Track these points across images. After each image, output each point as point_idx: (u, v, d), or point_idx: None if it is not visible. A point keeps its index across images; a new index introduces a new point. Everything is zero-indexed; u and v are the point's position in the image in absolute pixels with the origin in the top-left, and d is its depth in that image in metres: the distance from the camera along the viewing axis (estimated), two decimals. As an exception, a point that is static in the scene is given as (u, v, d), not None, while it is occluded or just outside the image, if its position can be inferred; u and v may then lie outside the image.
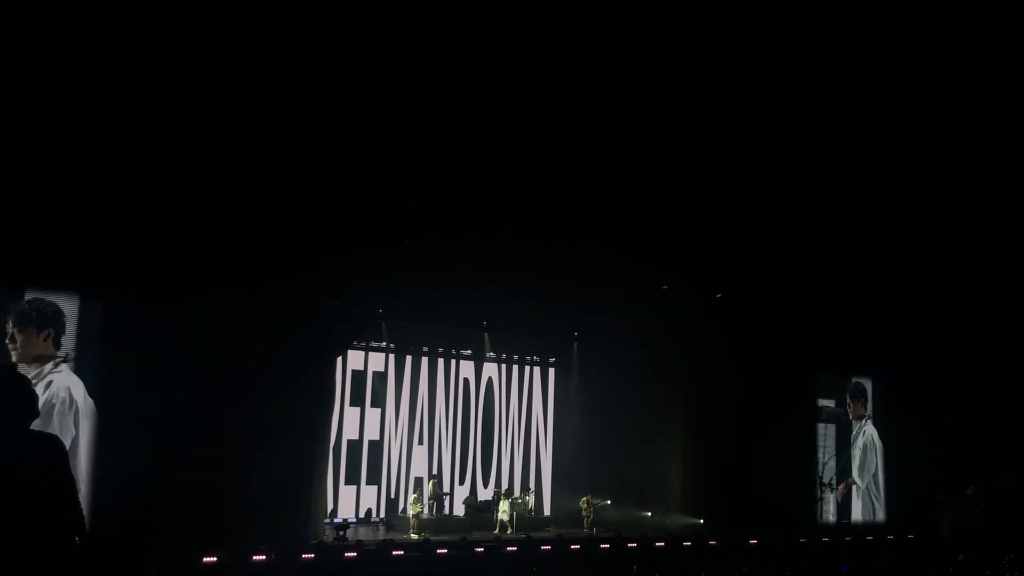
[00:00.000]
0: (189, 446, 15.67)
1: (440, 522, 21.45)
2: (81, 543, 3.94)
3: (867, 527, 24.74)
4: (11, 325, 15.42)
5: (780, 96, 14.63)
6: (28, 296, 15.62)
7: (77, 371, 15.88)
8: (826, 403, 25.37)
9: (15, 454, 3.78)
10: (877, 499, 25.82)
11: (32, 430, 4.00)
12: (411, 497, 21.52)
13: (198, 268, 15.99)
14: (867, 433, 25.97)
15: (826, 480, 24.16)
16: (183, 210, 15.42)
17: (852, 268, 20.77)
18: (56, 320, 15.82)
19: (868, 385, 26.18)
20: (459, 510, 23.29)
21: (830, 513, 24.77)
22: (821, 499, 24.01)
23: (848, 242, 19.58)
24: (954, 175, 17.44)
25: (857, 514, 25.39)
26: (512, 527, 20.99)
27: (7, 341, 15.34)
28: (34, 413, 4.05)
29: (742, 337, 22.20)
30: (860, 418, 25.87)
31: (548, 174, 16.44)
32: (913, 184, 17.68)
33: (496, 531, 20.85)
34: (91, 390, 15.88)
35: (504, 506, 21.33)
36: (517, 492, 23.99)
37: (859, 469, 25.70)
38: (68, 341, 15.89)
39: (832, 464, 24.82)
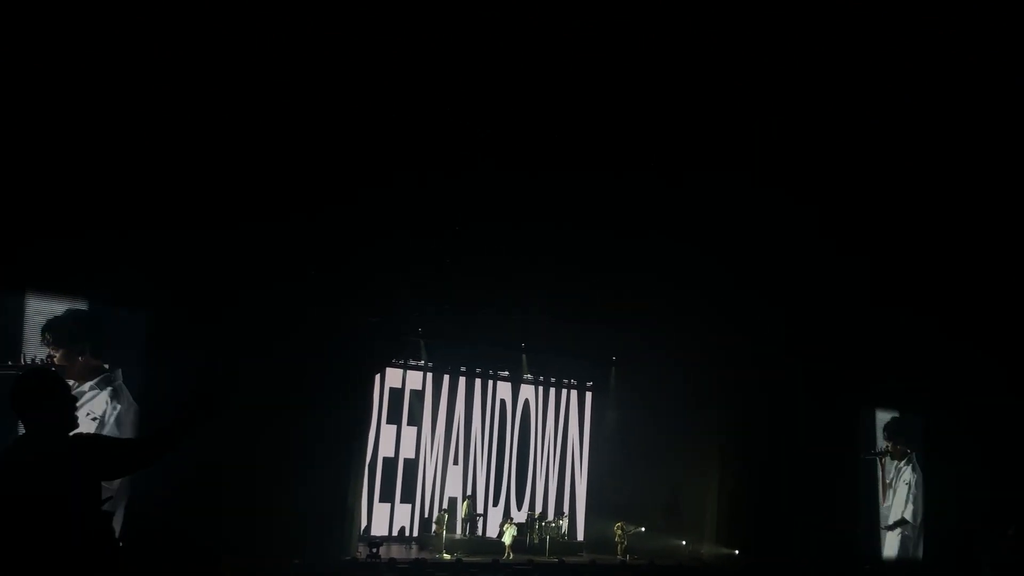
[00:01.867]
0: (225, 463, 15.78)
1: (473, 543, 21.37)
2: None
3: (905, 564, 24.25)
4: (49, 342, 15.58)
5: (831, 124, 14.51)
6: (67, 308, 15.78)
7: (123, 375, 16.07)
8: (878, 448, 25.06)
9: (51, 467, 3.74)
10: (915, 536, 25.30)
11: (70, 437, 3.95)
12: (436, 515, 21.55)
13: (240, 284, 16.17)
14: (906, 471, 25.46)
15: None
16: (228, 227, 15.63)
17: (895, 305, 20.50)
18: (91, 333, 15.94)
19: (917, 421, 25.68)
20: (493, 531, 23.19)
21: (871, 549, 24.34)
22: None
23: (893, 277, 19.32)
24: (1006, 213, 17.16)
25: (893, 550, 24.88)
26: (510, 553, 20.56)
27: (47, 358, 15.51)
28: (71, 422, 3.99)
29: (783, 367, 21.96)
30: (901, 457, 25.36)
31: (591, 198, 16.45)
32: (964, 223, 17.41)
33: (508, 556, 20.37)
34: (127, 403, 16.07)
35: (509, 531, 21.05)
36: (551, 516, 23.87)
37: (911, 511, 25.22)
38: (111, 354, 16.04)
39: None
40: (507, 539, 20.80)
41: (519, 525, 23.13)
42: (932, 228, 17.50)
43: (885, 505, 24.81)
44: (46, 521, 3.61)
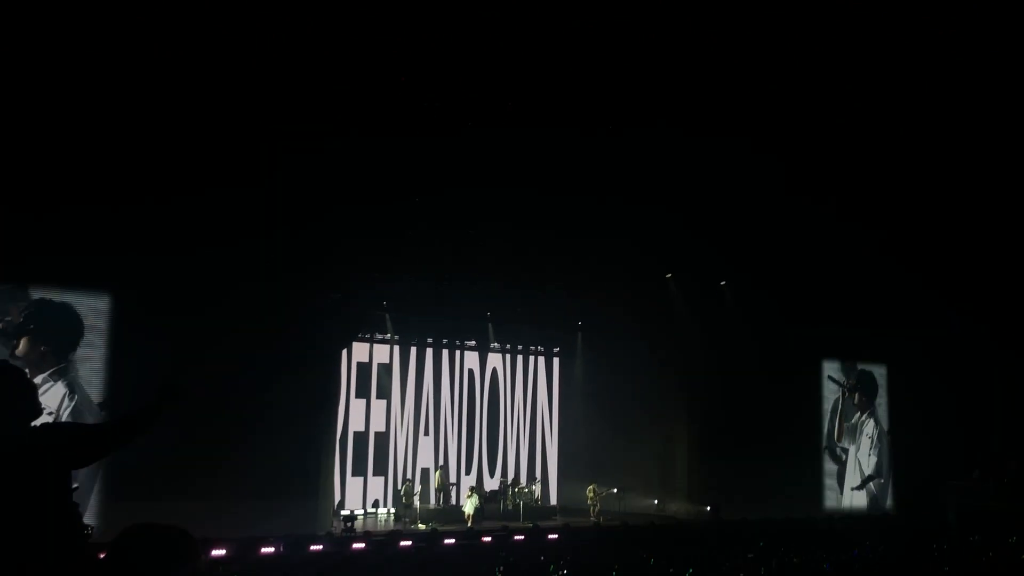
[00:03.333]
0: (195, 441, 15.70)
1: (448, 512, 21.47)
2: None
3: (875, 512, 24.76)
4: (8, 326, 15.34)
5: (785, 77, 14.57)
6: (33, 296, 15.58)
7: (80, 367, 15.88)
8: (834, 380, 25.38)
9: (17, 454, 3.70)
10: (884, 485, 25.81)
11: (35, 427, 3.90)
12: (404, 487, 21.66)
13: (201, 263, 16.01)
14: (868, 424, 25.87)
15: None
16: (186, 207, 15.45)
17: (859, 254, 20.74)
18: (52, 324, 15.71)
19: (879, 372, 26.10)
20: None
21: (837, 498, 24.81)
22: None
23: (855, 229, 19.53)
24: (971, 164, 17.38)
25: (863, 499, 25.39)
26: (472, 521, 20.59)
27: (11, 342, 15.27)
28: (35, 410, 3.94)
29: (746, 325, 22.24)
30: (864, 409, 25.76)
31: (551, 164, 16.42)
32: (927, 170, 17.61)
33: (467, 524, 20.38)
34: (95, 387, 15.90)
35: (471, 501, 21.14)
36: (523, 481, 24.04)
37: (875, 464, 25.65)
38: (69, 338, 15.83)
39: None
40: (468, 508, 20.90)
41: (492, 492, 23.32)
42: (884, 167, 17.67)
43: (841, 447, 25.19)
44: (16, 513, 3.57)
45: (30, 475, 3.61)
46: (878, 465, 25.80)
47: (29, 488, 3.59)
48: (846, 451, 25.28)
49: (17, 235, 14.36)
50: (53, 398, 15.47)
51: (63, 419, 15.31)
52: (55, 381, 15.60)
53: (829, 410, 25.19)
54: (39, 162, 13.98)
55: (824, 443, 24.92)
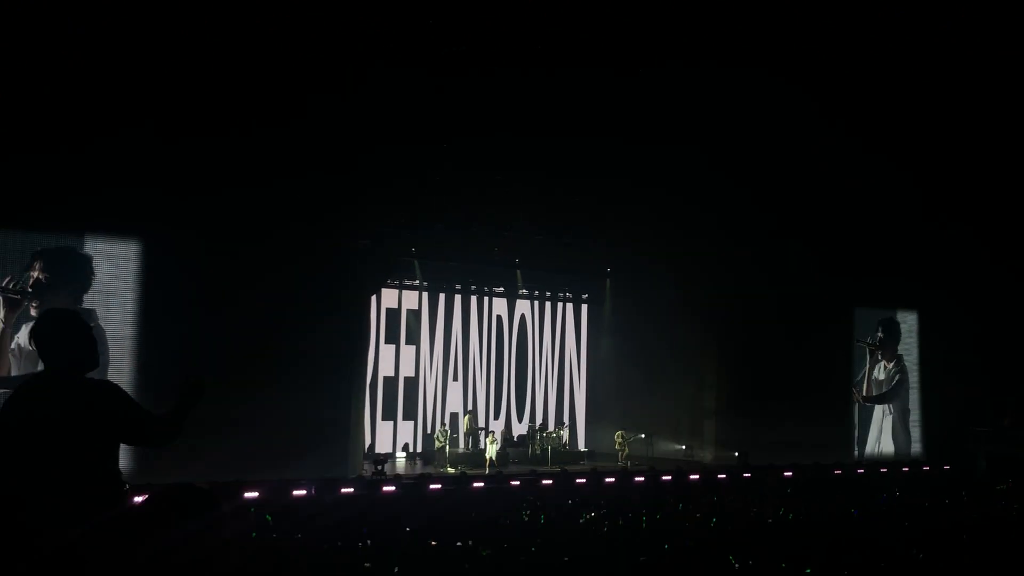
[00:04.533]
0: (227, 386, 15.89)
1: (476, 457, 21.69)
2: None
3: (903, 459, 24.70)
4: (39, 270, 15.39)
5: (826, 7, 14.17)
6: (55, 243, 15.56)
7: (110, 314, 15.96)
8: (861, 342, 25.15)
9: (79, 402, 3.72)
10: (912, 432, 25.69)
11: (90, 379, 3.93)
12: (437, 431, 21.86)
13: (232, 208, 16.06)
14: (897, 371, 25.60)
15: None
16: (217, 150, 15.44)
17: (890, 200, 20.42)
18: (80, 273, 15.74)
19: (905, 318, 25.82)
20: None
21: (866, 445, 24.75)
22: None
23: (888, 174, 19.18)
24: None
25: (892, 447, 25.31)
26: (493, 465, 20.74)
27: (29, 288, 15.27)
28: (93, 362, 3.96)
29: (777, 271, 22.03)
30: (889, 360, 25.48)
31: (581, 107, 16.20)
32: (963, 109, 17.19)
33: (487, 469, 20.52)
34: (128, 331, 16.05)
35: (492, 446, 21.30)
36: (551, 426, 24.20)
37: (903, 411, 25.48)
38: (101, 283, 15.86)
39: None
40: (491, 452, 21.08)
41: (520, 436, 23.50)
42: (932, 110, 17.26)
43: (869, 402, 25.04)
44: (62, 461, 3.61)
45: (81, 428, 3.65)
46: (906, 412, 25.65)
47: (78, 439, 3.63)
48: (872, 404, 25.12)
49: (44, 179, 14.40)
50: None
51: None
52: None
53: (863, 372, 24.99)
54: (67, 102, 13.96)
55: (854, 396, 24.76)
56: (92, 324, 15.10)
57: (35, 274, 15.25)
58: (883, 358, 25.34)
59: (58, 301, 15.18)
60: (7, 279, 15.05)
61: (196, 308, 15.69)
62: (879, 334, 25.32)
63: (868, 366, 25.00)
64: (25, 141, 14.05)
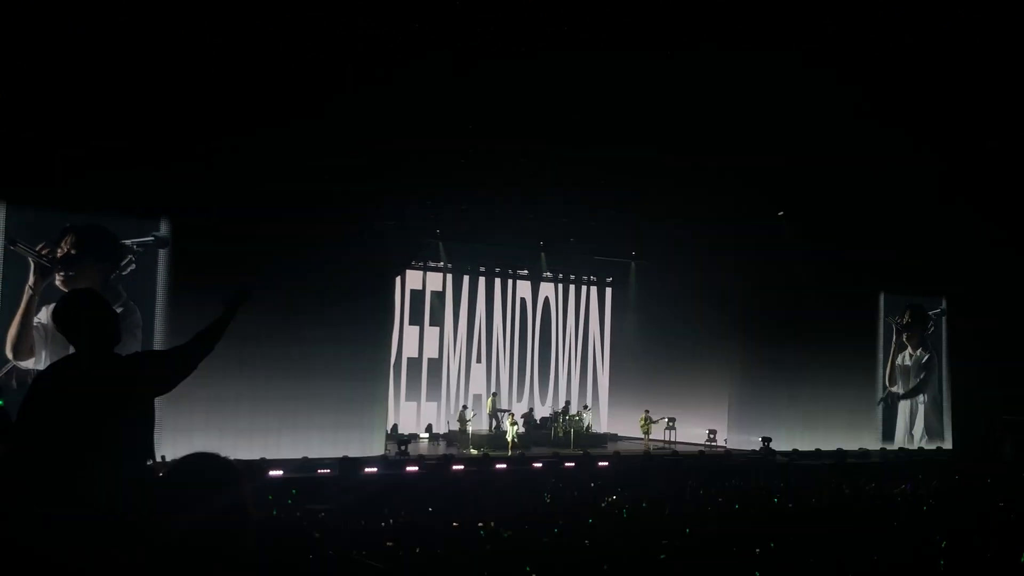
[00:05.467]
0: (253, 366, 16.05)
1: (499, 438, 21.77)
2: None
3: (929, 446, 24.51)
4: (70, 244, 15.53)
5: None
6: (79, 222, 15.65)
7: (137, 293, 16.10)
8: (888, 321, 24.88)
9: (111, 379, 3.76)
10: (941, 419, 25.44)
11: (118, 354, 3.96)
12: (459, 412, 21.98)
13: (258, 191, 16.13)
14: (923, 358, 25.30)
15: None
16: (243, 133, 15.48)
17: (919, 185, 20.16)
18: (110, 251, 15.88)
19: (932, 304, 25.52)
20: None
21: (893, 431, 24.56)
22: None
23: (917, 160, 18.93)
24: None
25: (918, 433, 25.11)
26: (514, 447, 20.73)
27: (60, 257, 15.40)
28: (116, 335, 3.98)
29: (802, 255, 21.88)
30: (916, 346, 25.19)
31: (607, 88, 16.07)
32: (995, 99, 16.92)
33: (508, 450, 20.56)
34: (156, 308, 16.19)
35: (512, 428, 21.28)
36: (575, 409, 24.23)
37: (930, 398, 25.19)
38: (113, 260, 15.96)
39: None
40: (511, 434, 21.13)
41: (543, 419, 23.55)
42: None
43: (893, 390, 24.77)
44: (99, 436, 3.65)
45: (115, 401, 3.69)
46: (932, 399, 25.39)
47: (112, 414, 3.67)
48: (898, 390, 24.87)
49: (79, 161, 14.52)
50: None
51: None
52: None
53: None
54: (98, 85, 14.04)
55: (880, 382, 24.55)
56: (119, 306, 15.33)
57: (66, 247, 15.42)
58: (908, 343, 25.08)
59: (86, 274, 15.41)
60: (40, 246, 15.24)
61: (222, 289, 15.74)
62: (907, 318, 25.05)
63: (893, 350, 24.73)
64: (62, 124, 14.18)
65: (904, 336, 24.94)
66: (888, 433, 24.39)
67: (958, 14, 13.88)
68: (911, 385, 25.01)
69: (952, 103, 16.98)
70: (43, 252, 15.23)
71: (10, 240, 15.02)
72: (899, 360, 24.79)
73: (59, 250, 15.35)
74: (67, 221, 15.51)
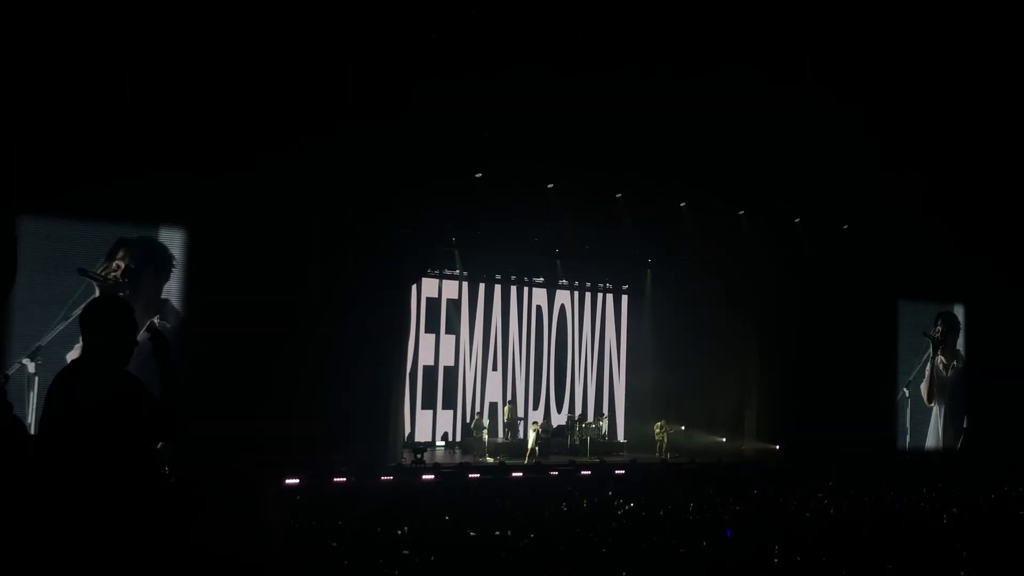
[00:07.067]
0: (269, 373, 16.08)
1: (515, 446, 21.73)
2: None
3: (948, 453, 24.33)
4: (126, 261, 15.55)
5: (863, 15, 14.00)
6: (110, 231, 15.73)
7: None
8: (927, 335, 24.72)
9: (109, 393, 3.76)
10: (959, 425, 25.21)
11: (124, 372, 3.94)
12: (475, 420, 21.93)
13: (275, 199, 16.20)
14: (952, 368, 25.08)
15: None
16: (262, 142, 15.57)
17: (933, 193, 20.09)
18: (162, 265, 15.95)
19: (959, 311, 25.34)
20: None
21: (909, 436, 24.39)
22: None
23: (931, 168, 18.87)
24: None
25: (937, 438, 24.90)
26: (535, 457, 20.55)
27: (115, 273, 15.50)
28: (126, 354, 3.97)
29: (819, 262, 21.79)
30: (950, 359, 24.91)
31: (621, 103, 16.13)
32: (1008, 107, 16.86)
33: (526, 460, 20.41)
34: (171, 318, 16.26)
35: (531, 435, 21.21)
36: (591, 417, 24.17)
37: (955, 406, 24.97)
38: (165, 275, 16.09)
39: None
40: (530, 442, 21.04)
41: (559, 427, 23.48)
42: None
43: (931, 405, 24.51)
44: (98, 452, 3.66)
45: (108, 418, 3.69)
46: (956, 407, 25.14)
47: (107, 427, 3.67)
48: (935, 404, 24.66)
49: (95, 171, 14.62)
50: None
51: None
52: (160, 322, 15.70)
53: (918, 368, 24.56)
54: (115, 94, 14.16)
55: (902, 390, 24.33)
56: (172, 320, 15.47)
57: (122, 263, 15.51)
58: (942, 353, 24.89)
59: (144, 289, 15.57)
60: (101, 267, 15.34)
61: (238, 297, 15.82)
62: (939, 328, 24.87)
63: (929, 366, 24.53)
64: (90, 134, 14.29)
65: (940, 348, 24.74)
66: (907, 440, 24.22)
67: (959, 14, 13.85)
68: (947, 396, 24.78)
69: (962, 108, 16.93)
70: (108, 274, 15.32)
71: (81, 270, 15.11)
72: (935, 372, 24.60)
73: (116, 266, 15.45)
74: (107, 232, 15.59)
